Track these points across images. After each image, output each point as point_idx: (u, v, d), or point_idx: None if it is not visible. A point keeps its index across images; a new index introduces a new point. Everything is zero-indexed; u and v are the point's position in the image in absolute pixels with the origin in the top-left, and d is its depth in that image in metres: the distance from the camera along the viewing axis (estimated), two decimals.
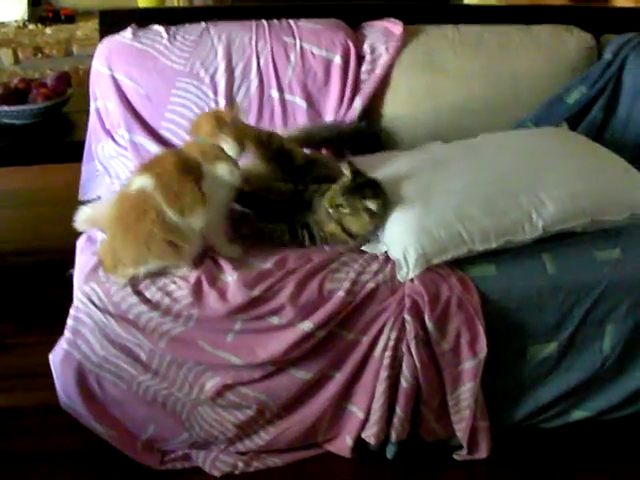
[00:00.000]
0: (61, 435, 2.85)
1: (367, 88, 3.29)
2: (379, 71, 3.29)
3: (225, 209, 2.71)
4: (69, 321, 2.57)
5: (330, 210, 2.67)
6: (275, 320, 2.54)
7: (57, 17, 6.51)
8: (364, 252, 2.75)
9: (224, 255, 2.67)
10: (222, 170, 2.61)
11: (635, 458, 2.89)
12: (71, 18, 6.52)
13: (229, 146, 2.63)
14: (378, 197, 2.66)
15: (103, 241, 2.71)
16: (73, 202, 3.08)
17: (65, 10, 6.59)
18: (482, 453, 2.73)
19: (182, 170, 2.55)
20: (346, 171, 2.71)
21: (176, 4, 6.37)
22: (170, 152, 2.72)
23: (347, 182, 2.69)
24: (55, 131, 3.64)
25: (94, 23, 6.42)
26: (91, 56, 3.25)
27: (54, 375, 2.60)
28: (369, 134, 3.28)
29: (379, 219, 2.69)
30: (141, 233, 2.53)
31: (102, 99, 3.21)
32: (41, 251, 4.04)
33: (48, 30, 6.29)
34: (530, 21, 3.52)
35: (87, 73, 3.28)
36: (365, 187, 2.67)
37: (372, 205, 2.63)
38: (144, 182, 2.55)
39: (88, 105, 3.30)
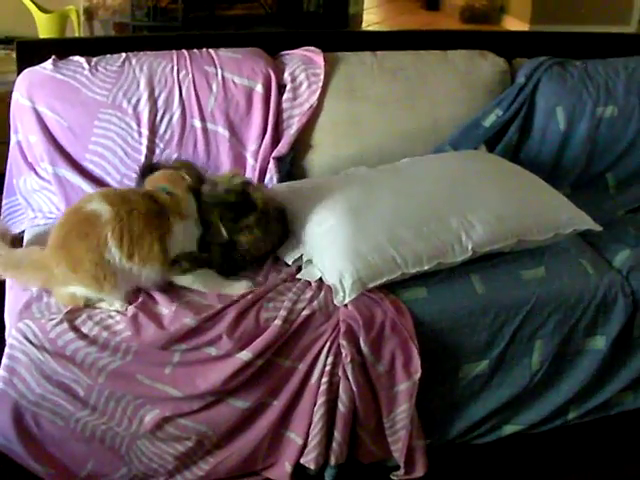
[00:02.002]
0: None
1: (303, 117, 3.33)
2: (312, 101, 3.33)
3: None
4: (4, 359, 2.51)
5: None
6: (213, 351, 2.53)
7: None
8: (297, 279, 2.78)
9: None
10: (189, 229, 2.66)
11: (564, 469, 2.98)
12: None
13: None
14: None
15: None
16: None
17: None
18: (419, 472, 2.75)
19: (151, 221, 2.56)
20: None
21: (77, 35, 6.28)
22: (143, 194, 2.68)
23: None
24: None
25: None
26: None
27: None
28: None
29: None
30: (74, 253, 2.53)
31: (24, 132, 3.15)
32: None
33: None
34: (443, 46, 3.59)
35: None
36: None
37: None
38: (102, 208, 2.54)
39: (5, 136, 3.25)
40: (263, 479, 2.76)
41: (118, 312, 2.58)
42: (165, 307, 2.60)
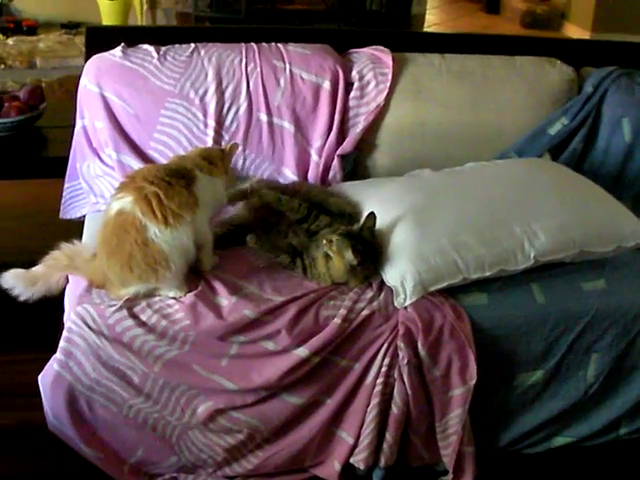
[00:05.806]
0: (41, 456, 2.82)
1: (369, 117, 3.31)
2: (379, 100, 3.31)
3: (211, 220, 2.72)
4: (61, 342, 2.53)
5: (324, 241, 2.67)
6: (270, 345, 2.54)
7: (19, 28, 6.44)
8: None
9: (205, 264, 2.68)
10: (217, 179, 2.68)
11: None
12: (33, 29, 6.46)
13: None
14: (365, 260, 2.65)
15: (92, 262, 2.66)
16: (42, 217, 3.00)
17: (27, 21, 6.53)
18: (467, 478, 2.74)
19: (171, 177, 2.52)
20: (364, 219, 2.71)
21: (139, 23, 6.35)
22: (152, 165, 2.70)
23: (354, 228, 2.70)
24: (28, 146, 3.59)
25: (56, 35, 6.39)
26: (55, 69, 3.20)
27: (43, 396, 2.56)
28: None
29: (355, 276, 2.69)
30: (123, 256, 2.50)
31: (90, 117, 3.18)
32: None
33: (10, 41, 6.20)
34: (511, 52, 3.57)
35: (50, 86, 3.22)
36: (362, 243, 2.65)
37: (350, 258, 2.62)
38: (122, 203, 2.50)
39: (66, 120, 3.26)
40: (311, 476, 2.76)
41: (176, 299, 2.58)
42: (225, 298, 2.60)
